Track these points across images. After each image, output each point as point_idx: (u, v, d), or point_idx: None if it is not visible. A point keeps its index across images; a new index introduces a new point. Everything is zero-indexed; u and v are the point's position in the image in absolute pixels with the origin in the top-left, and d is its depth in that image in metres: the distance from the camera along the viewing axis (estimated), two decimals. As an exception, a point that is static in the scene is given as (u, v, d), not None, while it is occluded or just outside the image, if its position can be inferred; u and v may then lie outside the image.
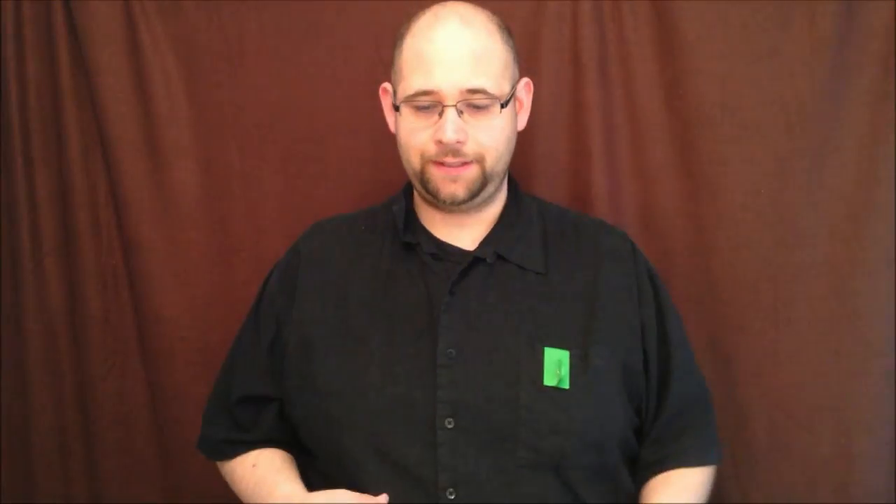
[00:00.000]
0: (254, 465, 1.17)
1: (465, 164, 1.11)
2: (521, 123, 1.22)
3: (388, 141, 1.40)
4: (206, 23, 1.49)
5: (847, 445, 1.36)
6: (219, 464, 1.25)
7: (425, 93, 1.09)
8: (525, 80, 1.21)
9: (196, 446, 1.27)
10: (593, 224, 1.28)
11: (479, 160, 1.11)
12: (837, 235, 1.37)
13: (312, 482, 1.14)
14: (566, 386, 1.08)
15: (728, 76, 1.38)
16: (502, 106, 1.12)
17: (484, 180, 1.13)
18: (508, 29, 1.18)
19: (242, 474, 1.17)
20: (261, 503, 1.12)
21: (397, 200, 1.22)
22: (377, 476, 1.06)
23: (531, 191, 1.40)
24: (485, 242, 1.17)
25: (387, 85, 1.21)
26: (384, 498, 1.02)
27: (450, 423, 1.05)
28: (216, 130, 1.51)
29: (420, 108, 1.11)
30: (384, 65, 1.43)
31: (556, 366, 1.08)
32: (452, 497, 1.03)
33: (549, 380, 1.08)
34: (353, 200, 1.40)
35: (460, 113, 1.09)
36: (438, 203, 1.15)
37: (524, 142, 1.25)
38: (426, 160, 1.12)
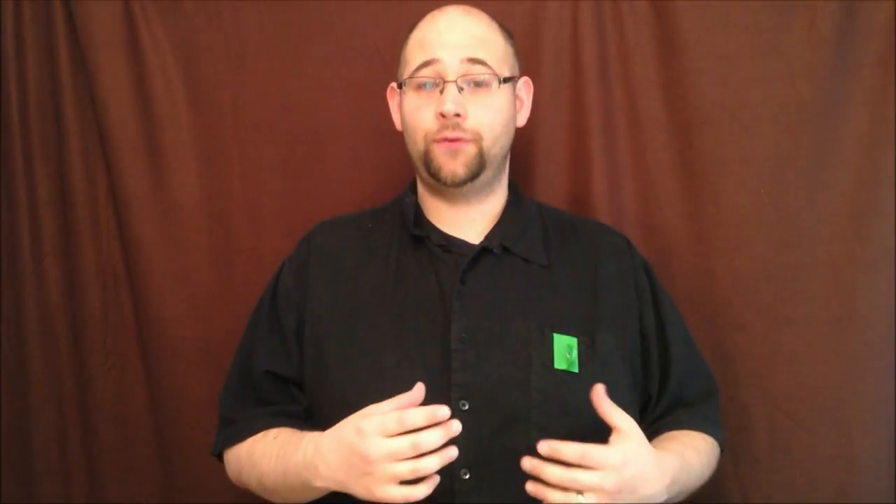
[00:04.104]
0: (275, 437, 1.15)
1: (465, 140, 1.15)
2: (521, 121, 1.25)
3: (389, 141, 1.40)
4: (206, 23, 1.49)
5: (847, 446, 1.36)
6: (229, 452, 1.21)
7: (427, 63, 1.15)
8: (525, 78, 1.25)
9: (216, 433, 1.23)
10: (590, 223, 1.32)
11: (477, 139, 1.15)
12: (837, 235, 1.37)
13: None
14: (575, 370, 1.10)
15: (728, 76, 1.38)
16: (503, 81, 1.16)
17: (482, 160, 1.16)
18: (510, 32, 1.22)
19: (263, 449, 1.14)
20: (288, 464, 1.08)
21: (406, 196, 1.25)
22: None
23: (531, 190, 1.41)
24: (490, 235, 1.20)
25: (393, 84, 1.24)
26: (419, 391, 0.96)
27: (464, 405, 1.07)
28: (216, 130, 1.51)
29: (422, 87, 1.16)
30: (384, 64, 1.44)
31: (565, 350, 1.11)
32: (467, 477, 1.05)
33: (560, 363, 1.10)
34: (354, 200, 1.40)
35: (460, 90, 1.14)
36: (440, 181, 1.17)
37: (524, 142, 1.26)
38: (429, 140, 1.15)
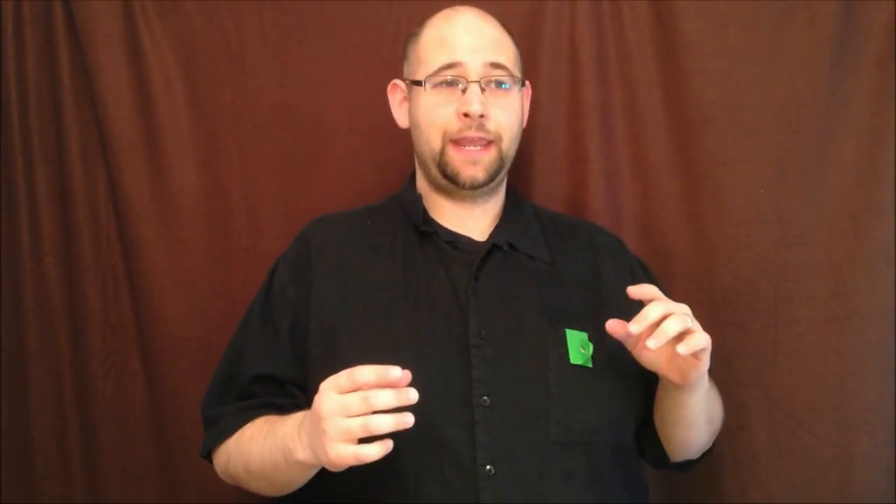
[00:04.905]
0: (265, 421, 1.13)
1: (486, 145, 1.16)
2: (524, 123, 1.26)
3: (389, 140, 1.40)
4: (206, 23, 1.49)
5: (847, 445, 1.37)
6: (219, 448, 1.20)
7: (450, 66, 1.15)
8: (526, 82, 1.26)
9: (204, 429, 1.22)
10: (584, 223, 1.34)
11: (498, 140, 1.17)
12: (837, 235, 1.37)
13: (335, 481, 1.11)
14: (590, 365, 1.12)
15: (728, 76, 1.38)
16: (522, 84, 1.19)
17: (501, 162, 1.18)
18: (513, 35, 1.23)
19: (252, 433, 1.13)
20: (276, 438, 1.06)
21: (411, 193, 1.25)
22: (416, 456, 1.06)
23: (529, 191, 1.41)
24: (496, 232, 1.21)
25: (397, 81, 1.25)
26: (404, 372, 0.93)
27: (485, 400, 1.08)
28: (216, 130, 1.51)
29: (442, 85, 1.16)
30: (384, 64, 1.44)
31: (580, 345, 1.12)
32: (492, 473, 1.06)
33: (575, 359, 1.12)
34: (353, 200, 1.40)
35: (482, 90, 1.15)
36: (457, 185, 1.17)
37: (522, 142, 1.26)
38: (447, 139, 1.16)
